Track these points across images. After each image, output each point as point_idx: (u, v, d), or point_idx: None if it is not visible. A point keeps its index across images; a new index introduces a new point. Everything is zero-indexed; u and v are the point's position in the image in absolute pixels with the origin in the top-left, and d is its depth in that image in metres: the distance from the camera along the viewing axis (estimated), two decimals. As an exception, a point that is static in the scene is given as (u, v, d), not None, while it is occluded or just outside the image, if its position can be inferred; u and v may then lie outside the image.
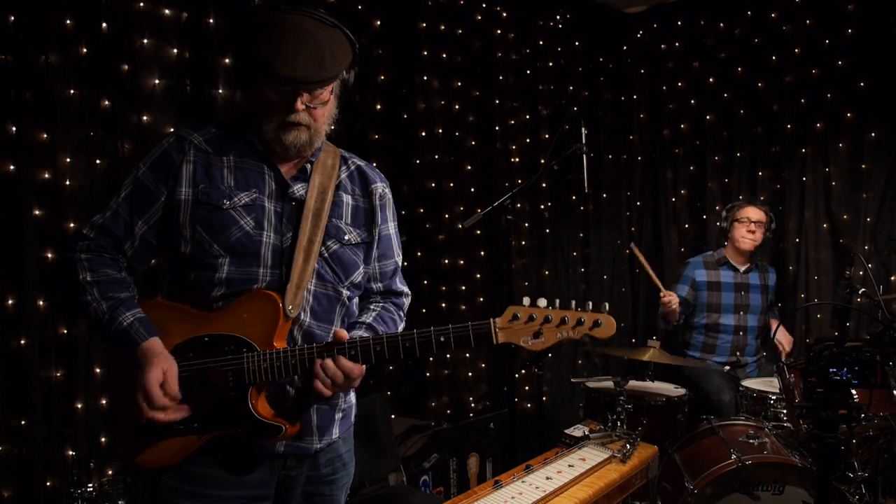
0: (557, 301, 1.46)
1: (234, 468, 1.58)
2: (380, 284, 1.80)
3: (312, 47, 1.48)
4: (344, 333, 1.52)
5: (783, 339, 3.83)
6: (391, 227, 1.80)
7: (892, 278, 4.04)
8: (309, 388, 1.59)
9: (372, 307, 1.78)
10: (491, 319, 1.46)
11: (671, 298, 3.77)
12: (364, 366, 1.54)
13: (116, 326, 1.50)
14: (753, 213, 3.85)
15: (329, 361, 1.49)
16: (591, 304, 1.46)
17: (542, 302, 1.45)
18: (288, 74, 1.45)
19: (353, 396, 1.77)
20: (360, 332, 1.65)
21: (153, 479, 1.59)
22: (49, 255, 2.69)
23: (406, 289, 1.87)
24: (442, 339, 1.47)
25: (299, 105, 1.51)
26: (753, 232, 3.83)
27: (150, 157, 1.60)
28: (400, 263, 1.84)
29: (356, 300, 1.75)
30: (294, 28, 1.49)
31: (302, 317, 1.58)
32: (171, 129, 2.98)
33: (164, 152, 1.58)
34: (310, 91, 1.51)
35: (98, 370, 2.77)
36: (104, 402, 2.75)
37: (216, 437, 1.54)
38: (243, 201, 1.56)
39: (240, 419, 1.52)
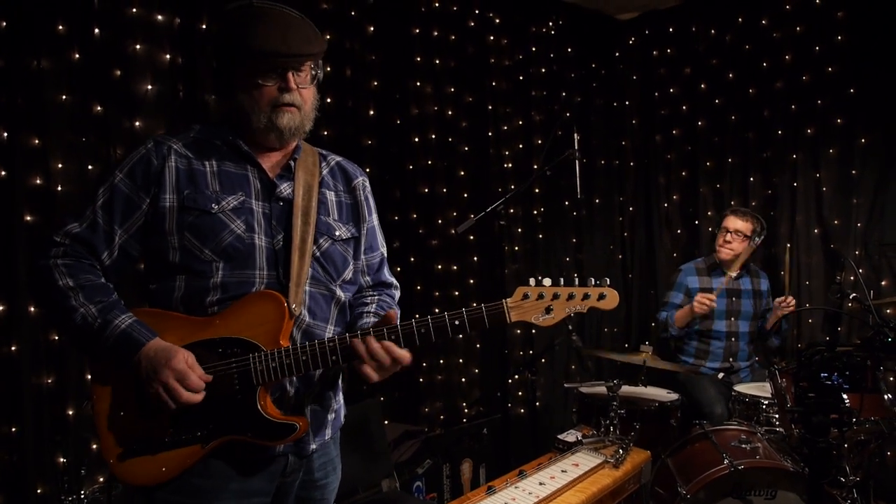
0: (562, 279, 1.53)
1: (235, 477, 1.54)
2: (369, 278, 1.81)
3: (297, 28, 1.55)
4: (394, 314, 1.53)
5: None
6: (375, 219, 1.82)
7: (883, 283, 4.07)
8: (306, 388, 1.60)
9: (368, 299, 1.79)
10: (503, 300, 1.50)
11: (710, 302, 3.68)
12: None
13: (112, 330, 1.44)
14: (732, 222, 3.86)
15: (374, 342, 1.49)
16: (593, 279, 1.53)
17: (548, 281, 1.51)
18: (283, 50, 1.50)
19: (341, 397, 1.77)
20: (370, 319, 1.68)
21: (145, 497, 1.52)
22: (40, 261, 2.67)
23: (395, 281, 1.89)
24: (457, 322, 1.50)
25: (292, 82, 1.54)
26: (729, 242, 3.84)
27: (126, 163, 1.55)
28: (385, 255, 1.85)
29: (350, 297, 1.74)
30: (276, 15, 1.55)
31: (301, 316, 1.57)
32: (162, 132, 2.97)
33: (143, 158, 1.54)
34: (298, 67, 1.55)
35: (89, 377, 2.76)
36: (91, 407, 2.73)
37: (220, 445, 1.50)
38: (231, 205, 1.54)
39: (249, 422, 1.49)
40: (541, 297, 1.50)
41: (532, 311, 1.51)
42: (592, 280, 1.53)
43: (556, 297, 1.50)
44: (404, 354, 1.51)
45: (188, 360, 1.45)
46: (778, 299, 3.76)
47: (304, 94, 1.58)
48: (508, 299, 1.51)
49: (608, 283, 1.53)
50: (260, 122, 1.55)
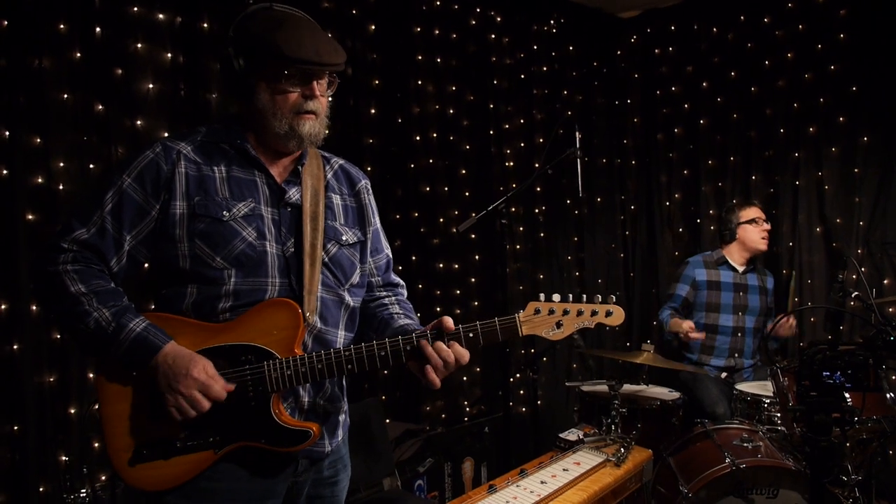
0: (570, 295, 1.59)
1: (246, 479, 1.54)
2: (379, 279, 1.82)
3: (323, 36, 1.57)
4: (450, 321, 1.54)
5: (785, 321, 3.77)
6: (378, 221, 1.83)
7: (885, 282, 4.06)
8: (318, 393, 1.61)
9: (387, 300, 1.81)
10: (516, 314, 1.56)
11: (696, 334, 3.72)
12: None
13: (127, 334, 1.43)
14: (756, 211, 3.88)
15: (441, 344, 1.51)
16: (599, 296, 1.60)
17: (557, 297, 1.57)
18: (315, 59, 1.51)
19: (346, 397, 1.78)
20: (410, 322, 1.71)
21: (154, 500, 1.51)
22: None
23: (401, 281, 1.90)
24: (471, 334, 1.54)
25: (316, 90, 1.55)
26: (767, 229, 3.86)
27: (133, 167, 1.52)
28: (391, 256, 1.87)
29: (359, 301, 1.74)
30: (300, 21, 1.56)
31: (313, 322, 1.57)
32: (166, 134, 2.97)
33: (152, 163, 1.52)
34: (322, 76, 1.57)
35: (91, 375, 2.76)
36: (96, 407, 2.74)
37: (233, 450, 1.50)
38: (242, 212, 1.53)
39: (263, 429, 1.50)
40: (551, 312, 1.56)
41: (542, 325, 1.57)
42: (599, 297, 1.59)
43: (566, 312, 1.56)
44: (465, 353, 1.54)
45: (208, 369, 1.45)
46: (780, 319, 3.73)
47: (322, 101, 1.59)
48: (521, 313, 1.56)
49: (614, 300, 1.60)
50: (281, 127, 1.55)
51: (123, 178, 1.51)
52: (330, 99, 1.65)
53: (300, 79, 1.54)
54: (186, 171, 1.53)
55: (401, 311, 1.77)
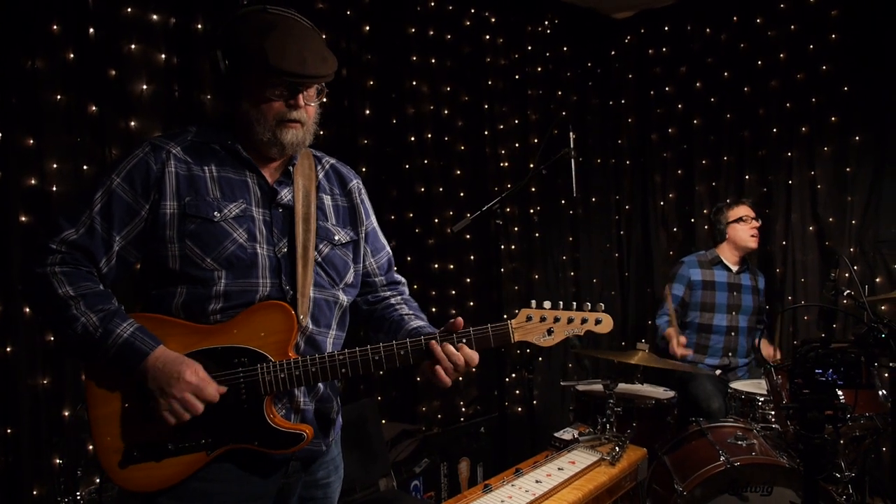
0: (561, 303, 1.61)
1: (237, 480, 1.53)
2: (382, 278, 1.82)
3: (313, 45, 1.53)
4: (460, 322, 1.57)
5: (768, 352, 3.83)
6: (374, 221, 1.82)
7: (878, 280, 4.08)
8: (312, 395, 1.61)
9: (392, 300, 1.81)
10: (508, 321, 1.58)
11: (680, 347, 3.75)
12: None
13: (114, 339, 1.42)
14: (746, 210, 3.91)
15: (449, 346, 1.53)
16: (589, 304, 1.62)
17: (548, 304, 1.60)
18: (300, 70, 1.48)
19: (339, 398, 1.78)
20: (422, 324, 1.72)
21: (146, 502, 1.51)
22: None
23: (402, 278, 1.91)
24: (464, 340, 1.55)
25: (301, 101, 1.54)
26: (756, 227, 3.89)
27: (123, 167, 1.50)
28: (391, 253, 1.86)
29: (351, 300, 1.74)
30: (292, 28, 1.53)
31: (305, 325, 1.57)
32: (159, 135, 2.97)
33: (141, 162, 1.50)
34: (310, 87, 1.55)
35: (84, 377, 2.75)
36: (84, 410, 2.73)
37: (225, 452, 1.50)
38: (233, 213, 1.53)
39: (256, 431, 1.49)
40: (543, 319, 1.59)
41: (534, 332, 1.59)
42: (588, 305, 1.61)
43: (556, 320, 1.59)
44: (473, 356, 1.56)
45: (199, 372, 1.44)
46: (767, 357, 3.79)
47: (309, 110, 1.57)
48: (513, 320, 1.58)
49: (603, 307, 1.62)
50: (264, 134, 1.54)
51: (112, 177, 1.50)
52: (324, 100, 1.64)
53: (285, 89, 1.52)
54: (176, 170, 1.52)
55: (411, 312, 1.77)
